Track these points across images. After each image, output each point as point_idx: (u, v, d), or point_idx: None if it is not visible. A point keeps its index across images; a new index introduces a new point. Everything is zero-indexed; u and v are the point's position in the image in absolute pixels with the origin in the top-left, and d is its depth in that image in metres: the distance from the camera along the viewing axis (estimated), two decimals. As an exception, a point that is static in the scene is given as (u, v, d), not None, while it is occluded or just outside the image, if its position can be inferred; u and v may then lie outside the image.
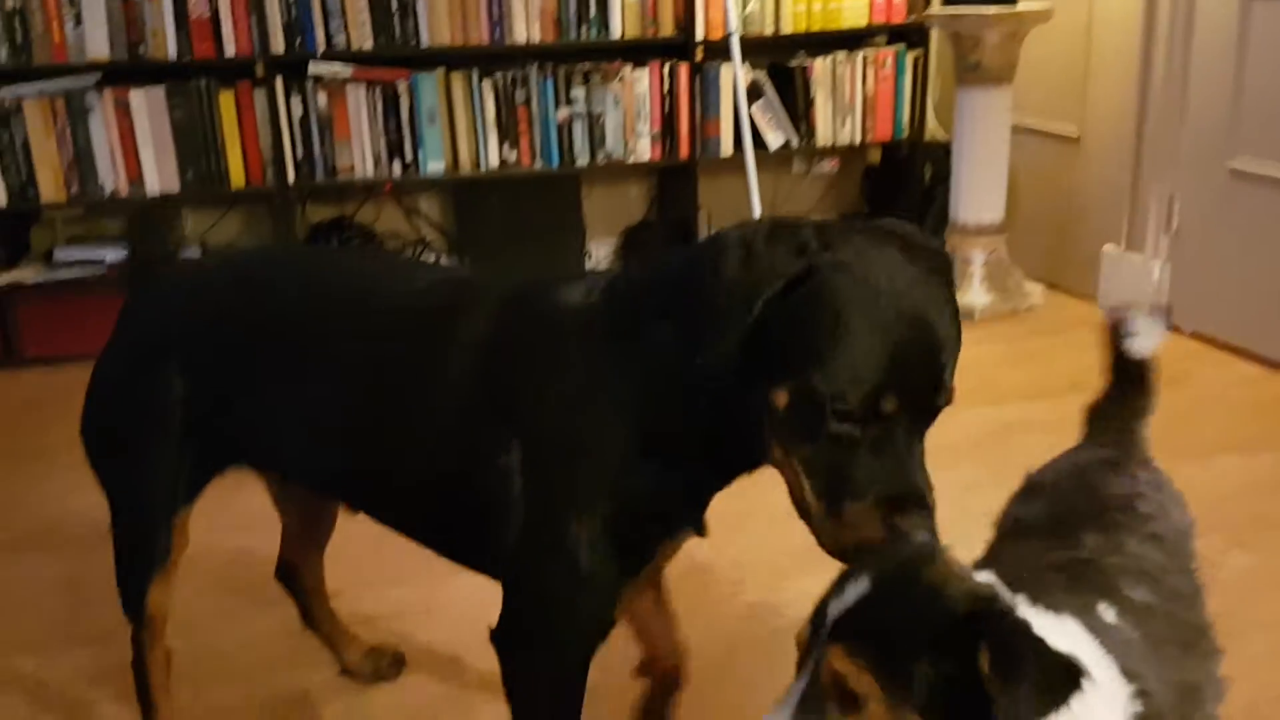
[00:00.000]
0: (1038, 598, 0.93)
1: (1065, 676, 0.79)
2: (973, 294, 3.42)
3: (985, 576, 0.87)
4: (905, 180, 3.94)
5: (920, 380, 0.95)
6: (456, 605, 1.91)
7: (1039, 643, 0.80)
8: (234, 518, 1.84)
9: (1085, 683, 0.79)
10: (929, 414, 0.97)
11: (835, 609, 0.84)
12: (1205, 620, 1.09)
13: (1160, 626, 1.00)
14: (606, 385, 1.08)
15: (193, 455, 1.35)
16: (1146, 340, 1.26)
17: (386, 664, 1.74)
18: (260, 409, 1.29)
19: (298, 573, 1.68)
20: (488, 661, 1.80)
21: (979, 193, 3.41)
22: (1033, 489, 1.22)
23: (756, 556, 2.02)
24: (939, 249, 1.04)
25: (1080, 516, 1.11)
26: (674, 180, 3.83)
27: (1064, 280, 3.64)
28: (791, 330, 0.95)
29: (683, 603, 1.45)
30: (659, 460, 1.08)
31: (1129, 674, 0.90)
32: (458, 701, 1.68)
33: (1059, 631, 0.89)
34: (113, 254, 3.28)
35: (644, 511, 1.09)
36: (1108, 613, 0.97)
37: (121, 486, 1.41)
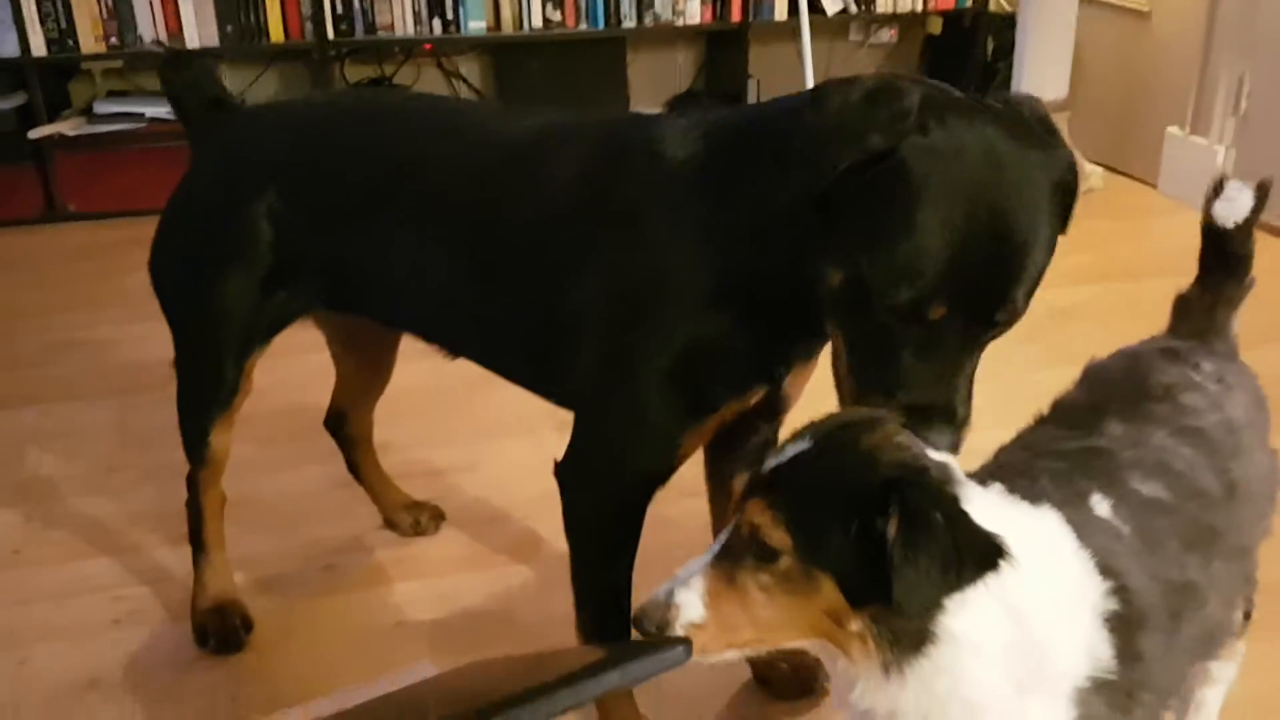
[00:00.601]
0: (1020, 486, 0.90)
1: (978, 556, 0.76)
2: (1028, 174, 3.31)
3: (942, 457, 0.84)
4: (967, 52, 3.80)
5: (983, 291, 0.90)
6: (499, 466, 1.93)
7: (958, 518, 0.76)
8: (287, 376, 1.86)
9: (1007, 567, 0.75)
10: (987, 326, 0.92)
11: (771, 464, 0.83)
12: (1230, 522, 1.02)
13: (1164, 523, 0.95)
14: (688, 229, 1.06)
15: (277, 296, 1.34)
16: (1231, 206, 1.17)
17: (427, 518, 1.77)
18: (357, 249, 1.28)
19: (346, 421, 1.71)
20: (525, 521, 1.83)
21: (1043, 67, 3.29)
22: (1087, 376, 1.19)
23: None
24: (1060, 147, 0.95)
25: (1113, 405, 1.06)
26: (724, 46, 3.70)
27: (1126, 164, 3.51)
28: (860, 208, 0.91)
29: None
30: (732, 310, 1.06)
31: (1106, 571, 0.86)
32: (493, 557, 1.71)
33: (1031, 521, 0.86)
34: (152, 108, 3.25)
35: (713, 361, 1.08)
36: (1101, 505, 0.93)
37: (194, 323, 1.39)
